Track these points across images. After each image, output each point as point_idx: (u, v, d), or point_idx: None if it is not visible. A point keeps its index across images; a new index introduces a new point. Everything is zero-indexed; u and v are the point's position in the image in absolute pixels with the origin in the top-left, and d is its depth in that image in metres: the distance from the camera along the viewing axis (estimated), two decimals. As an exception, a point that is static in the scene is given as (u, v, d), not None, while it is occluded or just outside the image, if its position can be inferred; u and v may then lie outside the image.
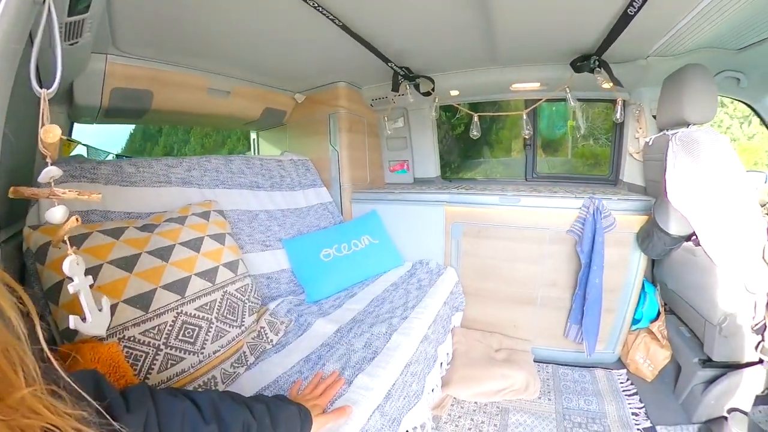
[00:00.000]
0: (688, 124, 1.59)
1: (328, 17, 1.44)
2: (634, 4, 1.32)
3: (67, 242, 0.80)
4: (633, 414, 1.76)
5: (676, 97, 1.60)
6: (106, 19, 1.31)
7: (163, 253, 1.27)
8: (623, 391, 1.94)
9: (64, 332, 1.02)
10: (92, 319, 0.82)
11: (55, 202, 0.76)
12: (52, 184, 0.75)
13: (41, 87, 0.67)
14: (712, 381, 1.61)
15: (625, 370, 2.09)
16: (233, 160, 2.04)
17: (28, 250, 1.12)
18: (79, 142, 2.20)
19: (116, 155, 2.98)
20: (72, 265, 0.79)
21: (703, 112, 1.55)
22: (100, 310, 0.85)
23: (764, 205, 1.57)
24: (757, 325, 1.47)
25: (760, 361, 1.50)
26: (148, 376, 1.07)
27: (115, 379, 0.92)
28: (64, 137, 2.05)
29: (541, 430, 1.69)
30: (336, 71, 2.29)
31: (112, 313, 1.05)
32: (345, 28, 1.55)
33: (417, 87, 2.32)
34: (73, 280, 0.80)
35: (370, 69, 2.13)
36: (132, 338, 1.08)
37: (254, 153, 3.20)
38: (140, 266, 1.19)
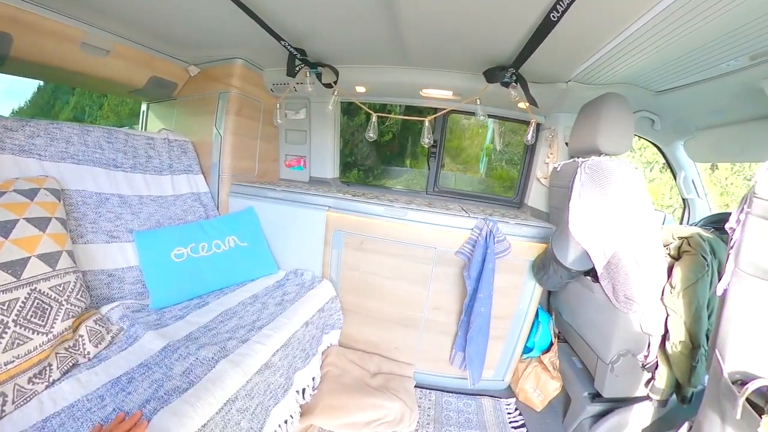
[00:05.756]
0: (600, 154, 1.60)
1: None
2: (558, 6, 1.28)
3: None
4: (518, 448, 1.78)
5: (592, 123, 1.61)
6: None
7: (-44, 235, 1.09)
8: (510, 422, 1.96)
9: None
10: None
11: None
12: None
13: None
14: (601, 415, 1.69)
15: (514, 399, 2.13)
16: (91, 132, 1.82)
17: None
18: None
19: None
20: None
21: (617, 143, 1.56)
22: None
23: (667, 245, 1.57)
24: (648, 363, 1.53)
25: (649, 397, 1.57)
26: None
27: None
28: None
29: (414, 467, 1.64)
30: (232, 45, 2.12)
31: None
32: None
33: (319, 76, 2.22)
34: None
35: (270, 49, 1.98)
36: None
37: (141, 127, 2.94)
38: None
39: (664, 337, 1.48)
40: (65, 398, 1.12)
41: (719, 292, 0.92)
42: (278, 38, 1.82)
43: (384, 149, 3.47)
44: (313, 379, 1.81)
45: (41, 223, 1.34)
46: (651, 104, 2.06)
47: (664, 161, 2.55)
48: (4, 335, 1.09)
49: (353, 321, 2.22)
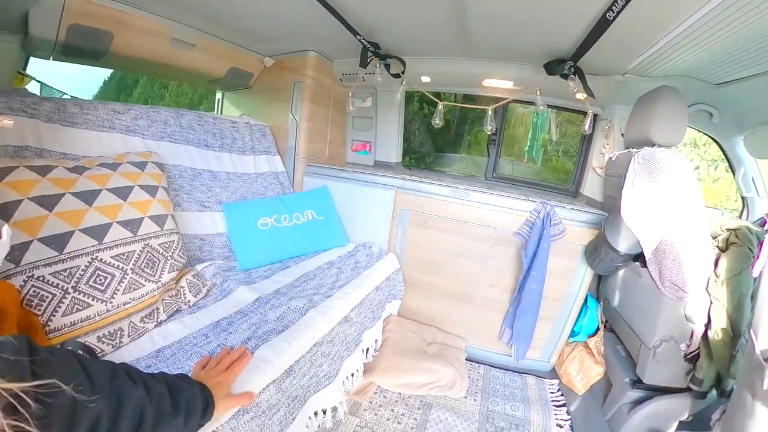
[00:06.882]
0: (653, 144, 1.65)
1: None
2: (614, 7, 1.36)
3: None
4: (557, 425, 1.88)
5: (646, 115, 1.67)
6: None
7: (88, 197, 1.32)
8: (552, 401, 2.05)
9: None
10: (-15, 245, 0.87)
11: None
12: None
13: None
14: (640, 402, 1.72)
15: (557, 381, 2.21)
16: (184, 115, 2.08)
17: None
18: (32, 78, 2.20)
19: (72, 97, 2.97)
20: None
21: (670, 134, 1.62)
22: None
23: (715, 237, 1.61)
24: (691, 353, 1.57)
25: (689, 389, 1.60)
26: (52, 317, 1.12)
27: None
28: (20, 72, 2.08)
29: (461, 430, 1.78)
30: (307, 39, 2.33)
31: (25, 250, 1.11)
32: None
33: (388, 67, 2.38)
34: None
35: (342, 41, 2.16)
36: (41, 278, 1.12)
37: (217, 113, 3.23)
38: (62, 206, 1.23)
39: (707, 327, 1.50)
40: (173, 335, 1.30)
41: (755, 274, 1.01)
42: (354, 33, 2.00)
43: (436, 138, 3.61)
44: (376, 341, 1.98)
45: (151, 190, 1.55)
46: (709, 97, 2.03)
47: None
48: (123, 280, 1.30)
49: (413, 294, 2.40)
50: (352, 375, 1.71)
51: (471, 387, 2.08)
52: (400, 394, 1.96)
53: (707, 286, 1.51)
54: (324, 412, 1.44)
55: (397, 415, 1.83)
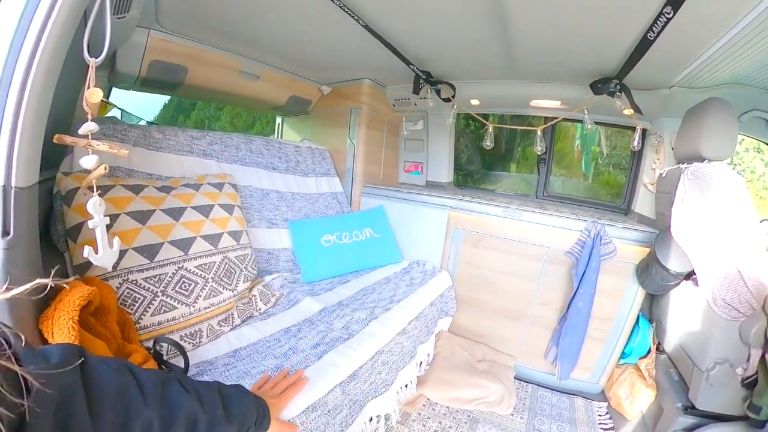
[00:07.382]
0: (703, 159, 1.61)
1: (351, 16, 1.61)
2: (654, 28, 1.37)
3: (94, 186, 1.01)
4: (604, 449, 1.82)
5: (695, 129, 1.64)
6: (153, -3, 1.52)
7: (175, 213, 1.48)
8: (599, 424, 2.00)
9: (77, 267, 1.23)
10: (102, 253, 1.00)
11: (90, 151, 0.96)
12: (90, 136, 0.96)
13: (91, 56, 0.88)
14: (692, 430, 1.61)
15: (606, 404, 2.14)
16: (254, 140, 2.27)
17: (57, 194, 1.32)
18: (114, 105, 2.46)
19: (148, 122, 3.27)
20: (95, 205, 0.99)
21: (720, 148, 1.58)
22: (111, 248, 1.06)
23: None
24: (748, 379, 1.44)
25: (746, 417, 1.46)
26: (142, 316, 1.26)
27: (101, 314, 1.09)
28: (104, 99, 2.34)
29: (506, 447, 1.78)
30: (362, 68, 2.48)
31: (122, 257, 1.27)
32: (368, 27, 1.72)
33: (438, 92, 2.48)
34: (93, 218, 1.00)
35: (394, 70, 2.30)
36: (135, 282, 1.28)
37: (277, 136, 3.44)
38: (153, 221, 1.40)
39: (765, 349, 1.37)
40: (248, 338, 1.43)
41: None
42: (408, 63, 2.13)
43: (484, 154, 3.65)
44: (428, 355, 2.04)
45: (228, 209, 1.71)
46: (763, 102, 1.93)
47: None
48: (205, 287, 1.45)
49: (464, 311, 2.43)
50: (406, 386, 1.77)
51: (518, 405, 2.06)
52: (448, 407, 1.99)
53: (764, 305, 1.38)
54: (378, 419, 1.51)
55: (445, 428, 1.86)
